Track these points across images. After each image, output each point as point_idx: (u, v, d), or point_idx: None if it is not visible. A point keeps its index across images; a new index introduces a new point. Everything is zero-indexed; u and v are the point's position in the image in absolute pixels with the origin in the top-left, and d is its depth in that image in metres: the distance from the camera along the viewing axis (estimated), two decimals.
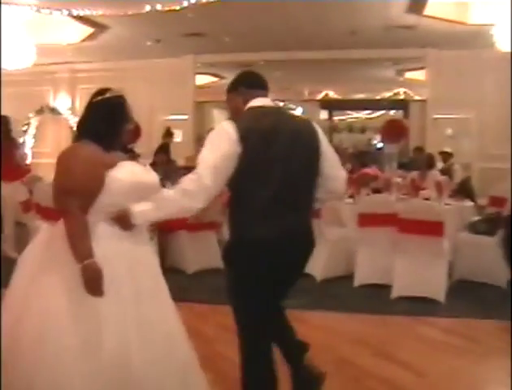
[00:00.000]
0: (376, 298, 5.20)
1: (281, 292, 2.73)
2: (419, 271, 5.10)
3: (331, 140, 16.91)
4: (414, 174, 7.44)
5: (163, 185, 5.47)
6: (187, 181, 2.36)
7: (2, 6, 7.80)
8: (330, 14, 9.14)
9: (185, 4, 8.09)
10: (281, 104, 15.76)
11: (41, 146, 13.06)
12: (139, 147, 6.89)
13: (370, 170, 7.75)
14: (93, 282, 2.27)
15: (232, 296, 2.60)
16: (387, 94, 15.55)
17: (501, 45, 8.29)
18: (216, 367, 3.47)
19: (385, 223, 5.31)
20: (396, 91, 15.37)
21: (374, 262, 5.49)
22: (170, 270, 5.38)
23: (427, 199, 6.13)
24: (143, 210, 2.40)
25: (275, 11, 8.86)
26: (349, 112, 20.01)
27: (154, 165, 5.81)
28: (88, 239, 2.32)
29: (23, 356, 2.26)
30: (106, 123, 2.44)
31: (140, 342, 2.34)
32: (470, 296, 5.23)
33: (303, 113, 16.52)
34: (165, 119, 12.37)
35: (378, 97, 15.72)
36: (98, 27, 9.84)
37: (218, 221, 6.09)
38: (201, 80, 14.02)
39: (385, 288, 5.20)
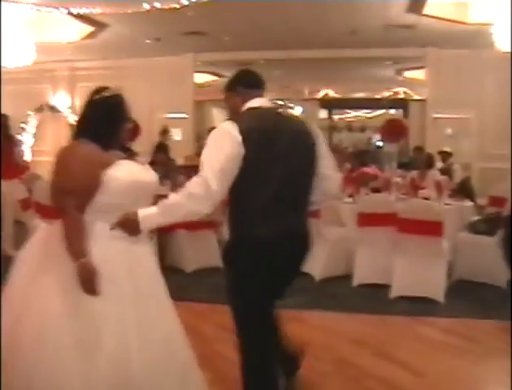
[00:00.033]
0: (375, 298, 5.19)
1: (280, 291, 2.73)
2: (418, 271, 5.09)
3: (330, 140, 16.98)
4: (414, 173, 7.44)
5: (162, 184, 5.48)
6: (193, 185, 2.33)
7: (2, 3, 7.78)
8: (330, 13, 9.14)
9: (185, 3, 8.08)
10: (281, 103, 15.77)
11: (41, 144, 13.03)
12: (138, 145, 6.81)
13: (370, 169, 7.74)
14: (89, 281, 2.27)
15: (232, 295, 2.59)
16: (386, 93, 15.53)
17: (501, 45, 8.28)
18: (215, 367, 3.47)
19: (384, 222, 5.30)
20: (395, 90, 15.36)
21: (373, 261, 5.49)
22: (169, 269, 5.37)
23: (426, 199, 6.12)
24: (150, 215, 2.36)
25: (275, 10, 8.85)
26: (348, 111, 20.00)
27: (152, 164, 5.79)
28: (84, 238, 2.31)
29: (22, 356, 2.26)
30: (104, 121, 2.43)
31: (139, 342, 2.33)
32: (469, 296, 5.23)
33: (303, 112, 16.50)
34: (164, 118, 12.37)
35: (378, 97, 15.70)
36: (98, 25, 9.83)
37: (217, 220, 6.09)
38: (201, 78, 14.00)
39: (384, 287, 5.20)
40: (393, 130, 11.50)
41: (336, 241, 5.85)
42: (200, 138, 12.52)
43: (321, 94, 16.49)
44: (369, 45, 11.30)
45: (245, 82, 2.67)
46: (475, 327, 4.46)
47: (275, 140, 2.46)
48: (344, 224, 6.20)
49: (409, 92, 14.97)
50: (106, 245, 2.36)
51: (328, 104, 17.64)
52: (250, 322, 2.56)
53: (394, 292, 5.12)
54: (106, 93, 2.46)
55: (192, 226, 5.89)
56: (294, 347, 3.05)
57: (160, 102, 12.61)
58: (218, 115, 15.75)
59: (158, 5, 8.20)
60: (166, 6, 8.23)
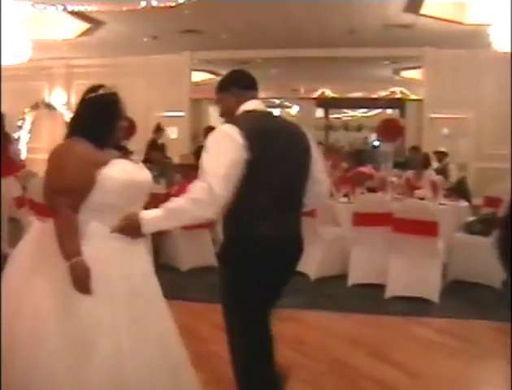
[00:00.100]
0: (370, 298, 5.19)
1: (278, 291, 2.72)
2: (414, 271, 5.09)
3: (327, 139, 16.96)
4: (410, 173, 7.44)
5: (158, 183, 5.47)
6: (197, 189, 2.29)
7: None
8: (327, 12, 9.13)
9: (182, 1, 8.06)
10: (277, 102, 15.77)
11: (36, 142, 12.98)
12: (134, 144, 6.84)
13: (366, 169, 7.74)
14: (81, 280, 2.26)
15: (227, 295, 2.58)
16: (383, 93, 15.52)
17: (498, 45, 8.28)
18: (210, 366, 3.46)
19: (380, 222, 5.30)
20: (392, 90, 15.35)
21: (368, 261, 5.49)
22: (164, 268, 5.38)
23: (421, 199, 6.12)
24: (153, 218, 2.34)
25: (273, 9, 8.84)
26: (345, 110, 19.98)
27: (146, 162, 5.78)
28: (76, 237, 2.30)
29: (19, 354, 2.25)
30: (99, 120, 2.42)
31: (132, 342, 2.32)
32: (464, 296, 5.23)
33: (299, 111, 16.51)
34: (161, 116, 12.33)
35: (374, 96, 15.70)
36: (95, 22, 9.79)
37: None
38: (198, 76, 13.96)
39: (379, 287, 5.20)
40: (390, 130, 11.50)
41: (332, 241, 5.84)
42: (196, 136, 12.49)
43: (318, 93, 16.48)
44: (366, 45, 11.29)
45: (241, 83, 2.64)
46: (469, 328, 4.47)
47: (274, 141, 2.47)
48: (339, 224, 6.19)
49: (406, 91, 14.95)
50: (100, 245, 2.35)
51: (325, 103, 17.64)
52: (250, 323, 2.55)
53: (389, 292, 5.12)
54: (100, 91, 2.44)
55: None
56: (280, 370, 2.95)
57: (157, 100, 12.57)
58: (214, 114, 15.68)
59: (154, 3, 8.17)
60: (163, 4, 8.21)
